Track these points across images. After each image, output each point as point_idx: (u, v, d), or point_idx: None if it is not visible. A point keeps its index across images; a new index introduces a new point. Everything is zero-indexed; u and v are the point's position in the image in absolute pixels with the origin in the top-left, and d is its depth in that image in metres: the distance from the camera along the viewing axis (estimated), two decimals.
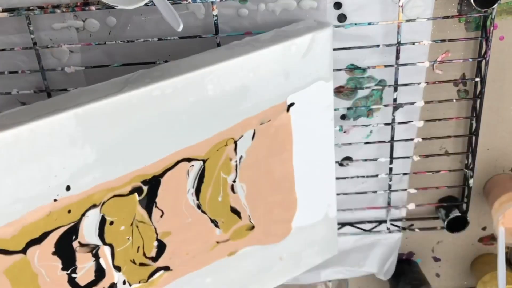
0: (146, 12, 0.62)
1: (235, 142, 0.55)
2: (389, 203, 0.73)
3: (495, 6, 0.59)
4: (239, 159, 0.56)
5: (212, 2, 0.60)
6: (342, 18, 0.63)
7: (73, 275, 0.49)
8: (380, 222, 0.76)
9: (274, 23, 0.63)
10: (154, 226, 0.53)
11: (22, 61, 0.63)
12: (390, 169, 0.71)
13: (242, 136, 0.55)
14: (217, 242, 0.58)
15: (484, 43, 0.63)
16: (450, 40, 0.63)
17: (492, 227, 0.78)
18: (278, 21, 0.63)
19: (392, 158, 0.70)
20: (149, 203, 0.52)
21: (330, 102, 0.59)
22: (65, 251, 0.48)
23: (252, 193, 0.58)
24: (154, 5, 0.55)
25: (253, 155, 0.56)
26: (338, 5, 0.62)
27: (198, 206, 0.55)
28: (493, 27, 0.62)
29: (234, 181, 0.56)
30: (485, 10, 0.60)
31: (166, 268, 0.56)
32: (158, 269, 0.55)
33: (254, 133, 0.55)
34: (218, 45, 0.62)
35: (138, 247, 0.53)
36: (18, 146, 0.42)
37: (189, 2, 0.60)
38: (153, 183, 0.51)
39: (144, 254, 0.53)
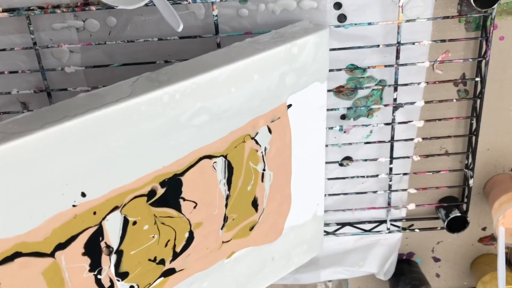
0: (146, 12, 0.62)
1: (253, 138, 0.56)
2: (389, 203, 0.73)
3: (495, 6, 0.59)
4: (264, 150, 0.57)
5: (212, 2, 0.60)
6: (342, 18, 0.63)
7: (99, 276, 0.50)
8: (380, 222, 0.76)
9: (274, 23, 0.63)
10: (187, 218, 0.54)
11: (22, 61, 0.63)
12: (390, 169, 0.71)
13: (258, 133, 0.56)
14: (223, 242, 0.59)
15: (484, 43, 0.63)
16: (450, 40, 0.63)
17: (492, 227, 0.79)
18: (278, 21, 0.63)
19: (392, 158, 0.70)
20: (174, 199, 0.52)
21: (324, 102, 0.60)
22: (94, 251, 0.49)
23: (275, 183, 0.60)
24: (154, 5, 0.55)
25: (274, 146, 0.58)
26: (338, 5, 0.62)
27: (227, 197, 0.56)
28: (493, 27, 0.62)
29: (264, 170, 0.58)
30: (485, 10, 0.60)
31: (171, 272, 0.56)
32: (162, 274, 0.55)
33: (269, 128, 0.56)
34: (218, 45, 0.62)
35: (168, 240, 0.54)
36: (28, 155, 0.41)
37: (189, 2, 0.60)
38: (175, 180, 0.51)
39: (174, 247, 0.54)
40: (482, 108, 0.66)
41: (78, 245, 0.47)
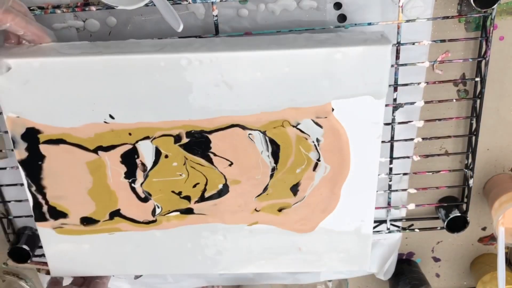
0: (146, 12, 0.62)
1: (296, 127, 0.59)
2: (389, 203, 0.73)
3: (495, 6, 0.59)
4: (316, 141, 0.60)
5: (212, 3, 0.60)
6: (342, 18, 0.63)
7: (133, 185, 0.63)
8: (380, 222, 0.76)
9: (274, 23, 0.63)
10: (221, 171, 0.62)
11: None
12: (390, 169, 0.71)
13: (299, 123, 0.59)
14: (255, 210, 0.64)
15: (484, 43, 0.63)
16: (450, 40, 0.63)
17: (492, 227, 0.79)
18: (278, 21, 0.63)
19: (392, 158, 0.70)
20: (203, 151, 0.60)
21: (379, 119, 0.59)
22: (130, 163, 0.61)
23: (328, 178, 0.62)
24: (154, 5, 0.55)
25: (329, 141, 0.60)
26: (338, 5, 0.62)
27: (273, 169, 0.62)
28: (493, 27, 0.62)
29: (318, 160, 0.61)
30: (485, 10, 0.60)
31: (190, 211, 0.64)
32: (183, 210, 0.64)
33: (317, 123, 0.59)
34: None
35: (197, 183, 0.62)
36: (67, 71, 0.56)
37: (189, 3, 0.60)
38: (202, 135, 0.59)
39: (204, 192, 0.63)
40: (482, 108, 0.66)
41: (117, 153, 0.61)
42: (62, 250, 0.67)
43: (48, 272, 0.80)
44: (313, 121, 0.59)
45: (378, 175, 0.71)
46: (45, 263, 0.79)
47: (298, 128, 0.59)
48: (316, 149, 0.60)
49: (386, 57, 0.55)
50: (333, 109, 0.58)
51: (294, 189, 0.63)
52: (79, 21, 0.62)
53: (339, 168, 0.62)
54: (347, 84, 0.56)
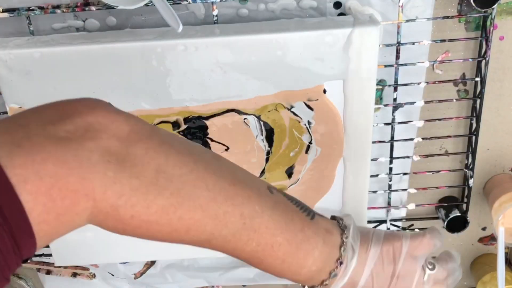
0: (146, 12, 0.62)
1: (290, 110, 0.60)
2: (389, 203, 0.73)
3: (495, 6, 0.59)
4: (307, 123, 0.61)
5: (212, 3, 0.60)
6: None
7: None
8: (380, 222, 0.76)
9: None
10: None
11: None
12: (390, 169, 0.70)
13: (293, 106, 0.60)
14: None
15: (484, 43, 0.63)
16: (450, 40, 0.63)
17: (492, 227, 0.78)
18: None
19: (392, 158, 0.70)
20: (201, 136, 0.62)
21: (371, 99, 0.60)
22: None
23: (320, 160, 0.63)
24: (154, 5, 0.55)
25: (321, 124, 0.61)
26: (337, 5, 0.62)
27: (268, 152, 0.63)
28: (493, 27, 0.62)
29: (310, 143, 0.62)
30: (485, 10, 0.60)
31: None
32: None
33: (308, 106, 0.60)
34: None
35: None
36: (66, 60, 0.57)
37: (189, 2, 0.60)
38: (199, 121, 0.61)
39: None
40: (482, 108, 0.66)
41: None
42: (65, 239, 0.67)
43: (48, 272, 0.80)
44: (305, 103, 0.60)
45: (378, 175, 0.72)
46: (45, 263, 0.79)
47: (291, 111, 0.60)
48: (308, 131, 0.62)
49: (375, 37, 0.56)
50: (325, 91, 0.59)
51: (289, 171, 0.64)
52: (79, 21, 0.62)
53: (331, 149, 0.63)
54: (338, 66, 0.58)
